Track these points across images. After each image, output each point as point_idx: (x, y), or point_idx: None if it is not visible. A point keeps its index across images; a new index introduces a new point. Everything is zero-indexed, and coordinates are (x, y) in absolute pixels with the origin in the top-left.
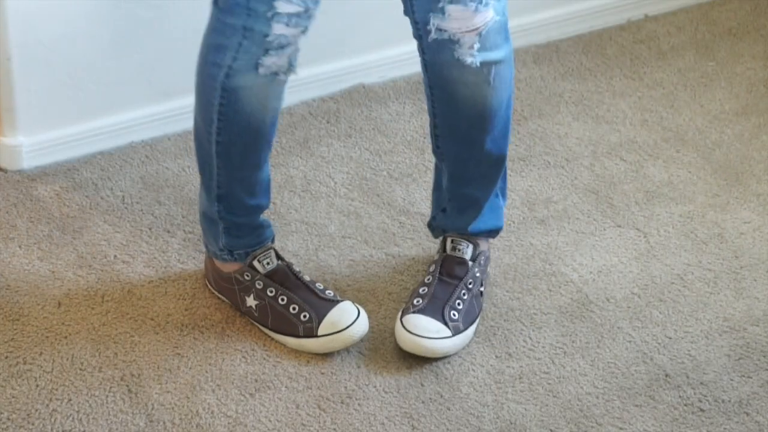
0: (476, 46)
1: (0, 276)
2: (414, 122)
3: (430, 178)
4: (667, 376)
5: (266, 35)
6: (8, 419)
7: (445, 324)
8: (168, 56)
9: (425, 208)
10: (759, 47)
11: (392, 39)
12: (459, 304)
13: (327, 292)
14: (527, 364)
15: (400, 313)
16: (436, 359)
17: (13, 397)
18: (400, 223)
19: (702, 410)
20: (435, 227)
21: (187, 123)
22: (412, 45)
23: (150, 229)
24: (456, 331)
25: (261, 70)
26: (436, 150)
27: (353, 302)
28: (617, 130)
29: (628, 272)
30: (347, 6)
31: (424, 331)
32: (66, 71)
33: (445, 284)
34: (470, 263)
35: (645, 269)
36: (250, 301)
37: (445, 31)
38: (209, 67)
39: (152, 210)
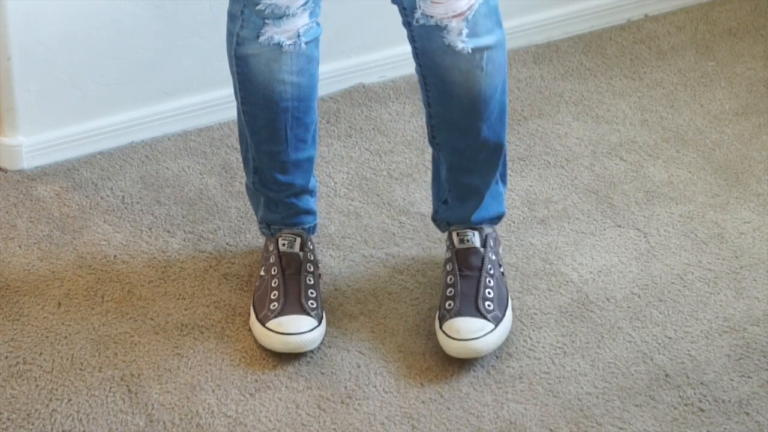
0: (465, 32)
1: (0, 276)
2: (414, 122)
3: (430, 178)
4: (667, 376)
5: (257, 4)
6: (8, 419)
7: (485, 318)
8: (168, 56)
9: (425, 208)
10: (759, 47)
11: (392, 39)
12: (489, 293)
13: (311, 303)
14: (527, 364)
15: (437, 322)
16: (439, 359)
17: (13, 397)
18: (400, 223)
19: (702, 410)
20: (439, 220)
21: (187, 123)
22: None
23: (150, 229)
24: (497, 321)
25: (261, 39)
26: (433, 140)
27: (322, 322)
28: (617, 130)
29: (628, 272)
30: (347, 6)
31: (468, 333)
32: (66, 71)
33: (468, 278)
34: (482, 250)
35: (645, 269)
36: (261, 272)
37: (432, 16)
38: (227, 35)
39: (152, 210)
